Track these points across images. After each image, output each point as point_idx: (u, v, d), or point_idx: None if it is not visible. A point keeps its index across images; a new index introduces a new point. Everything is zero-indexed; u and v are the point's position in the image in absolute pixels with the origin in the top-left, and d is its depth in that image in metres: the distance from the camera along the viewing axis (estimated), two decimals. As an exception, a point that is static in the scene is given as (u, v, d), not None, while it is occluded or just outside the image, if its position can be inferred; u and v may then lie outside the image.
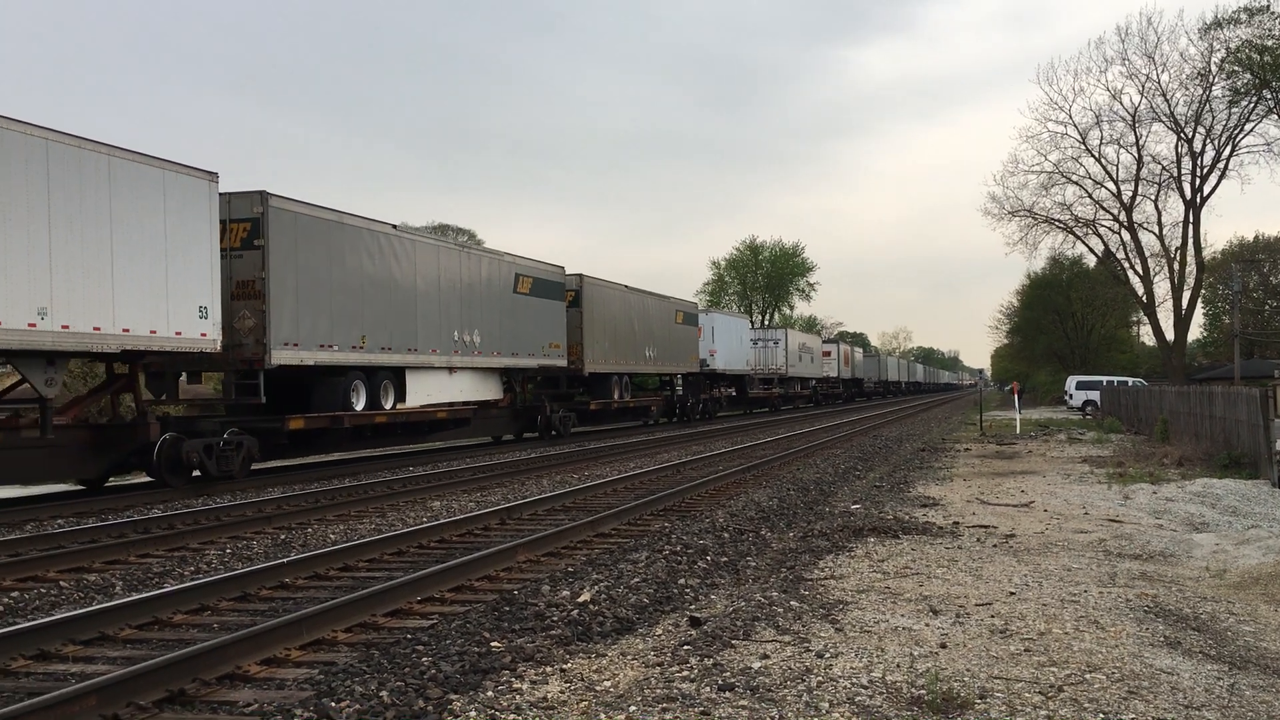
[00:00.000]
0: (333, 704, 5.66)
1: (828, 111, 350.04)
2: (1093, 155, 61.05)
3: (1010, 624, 7.60)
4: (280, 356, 19.12)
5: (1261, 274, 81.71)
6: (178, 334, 16.84)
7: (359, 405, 21.68)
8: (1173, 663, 6.65)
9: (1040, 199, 64.33)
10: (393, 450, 26.96)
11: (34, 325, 14.31)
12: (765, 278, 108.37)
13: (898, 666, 6.41)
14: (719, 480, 18.01)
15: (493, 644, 6.98)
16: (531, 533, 12.07)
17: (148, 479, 18.57)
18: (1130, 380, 54.97)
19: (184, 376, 20.10)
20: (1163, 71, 58.55)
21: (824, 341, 79.13)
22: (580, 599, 8.26)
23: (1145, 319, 67.65)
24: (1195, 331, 75.37)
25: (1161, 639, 7.28)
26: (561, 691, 5.99)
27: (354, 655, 6.83)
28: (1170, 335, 61.33)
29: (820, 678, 6.17)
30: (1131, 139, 59.57)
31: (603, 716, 5.52)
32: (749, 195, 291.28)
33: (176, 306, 16.82)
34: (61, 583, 9.88)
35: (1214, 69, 54.36)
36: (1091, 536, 12.17)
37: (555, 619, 7.67)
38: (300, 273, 19.77)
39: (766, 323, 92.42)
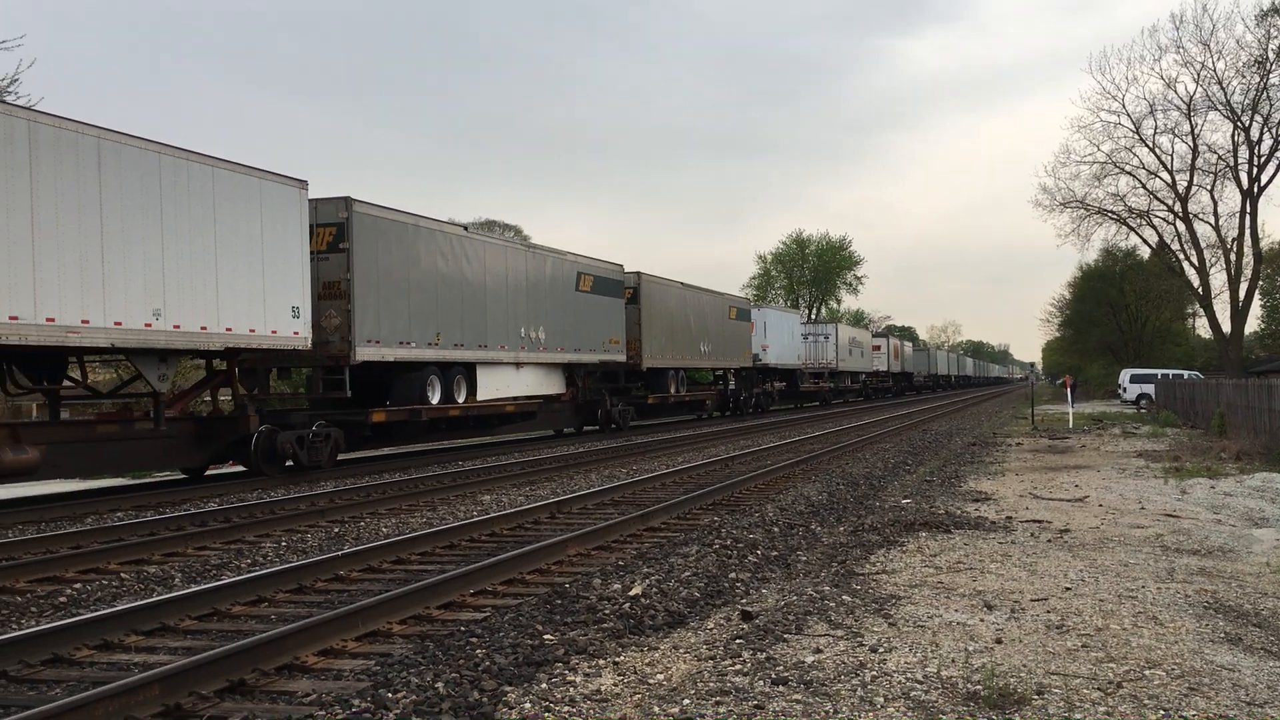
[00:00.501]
0: (389, 695, 5.72)
1: (879, 104, 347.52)
2: (1146, 145, 60.14)
3: (1066, 619, 7.51)
4: (364, 353, 20.27)
5: (1322, 264, 79.84)
6: (273, 333, 18.05)
7: (434, 399, 22.71)
8: (1234, 659, 6.54)
9: (1093, 190, 63.52)
10: (466, 442, 27.67)
11: (150, 325, 15.59)
12: (812, 271, 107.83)
13: (953, 662, 6.37)
14: (768, 474, 17.95)
15: (545, 636, 7.02)
16: (581, 526, 12.12)
17: (235, 470, 19.52)
18: (1186, 373, 54.05)
19: (274, 372, 21.36)
20: (1218, 59, 57.46)
21: (873, 336, 78.93)
22: (631, 592, 8.28)
23: (1201, 311, 66.45)
24: (1253, 324, 73.78)
25: (1222, 635, 7.16)
26: (615, 684, 6.01)
27: (409, 647, 6.91)
28: (1227, 328, 60.22)
29: (874, 672, 6.14)
30: (1186, 128, 58.61)
31: (656, 709, 5.53)
32: (798, 189, 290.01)
33: (272, 307, 18.02)
34: (122, 574, 10.08)
35: (1271, 55, 53.27)
36: (1148, 531, 11.99)
37: (607, 612, 7.69)
38: (381, 274, 20.86)
39: (813, 317, 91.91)
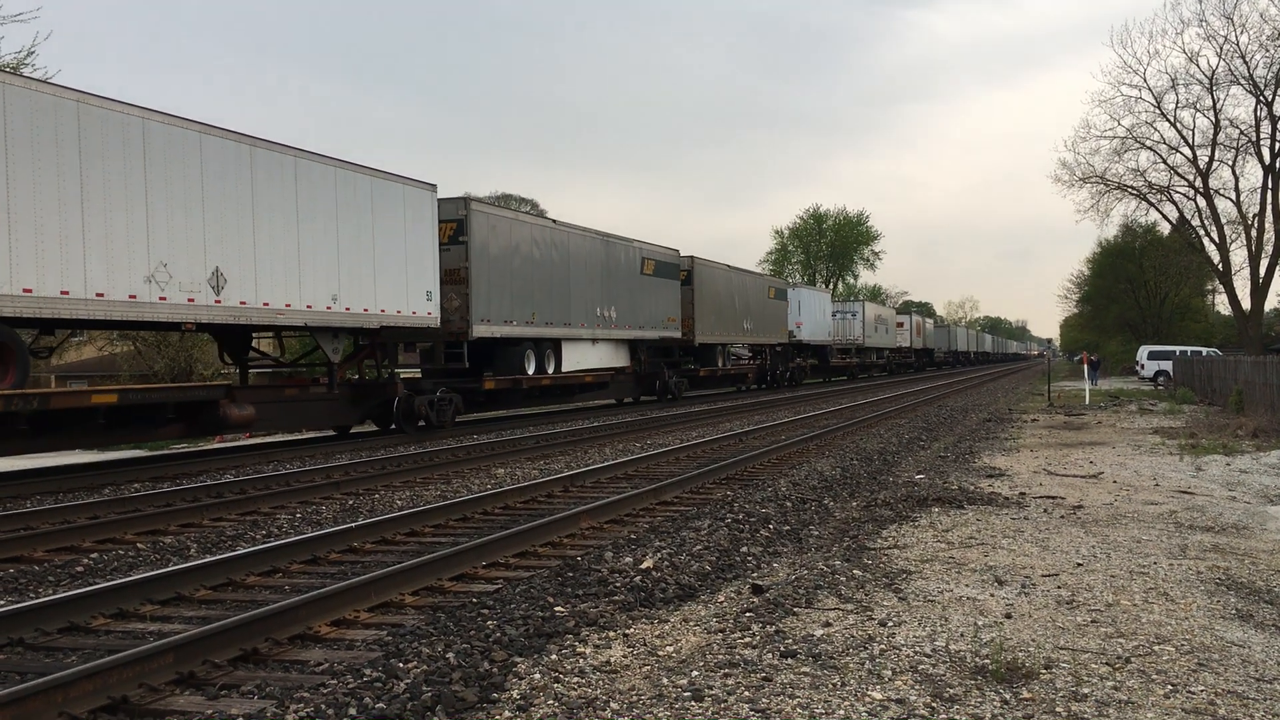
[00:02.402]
0: (400, 664, 5.77)
1: (897, 76, 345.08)
2: (1168, 120, 59.55)
3: (1077, 595, 7.50)
4: (478, 330, 23.89)
5: (1344, 241, 79.03)
6: (414, 313, 21.57)
7: (530, 370, 26.37)
8: (1244, 635, 6.53)
9: (1113, 165, 62.99)
10: (552, 408, 31.47)
11: (330, 308, 19.15)
12: (829, 246, 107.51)
13: (962, 636, 6.38)
14: (782, 449, 17.96)
15: (556, 609, 7.06)
16: (594, 499, 12.16)
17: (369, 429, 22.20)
18: (1204, 350, 53.71)
19: (401, 346, 24.30)
20: (1242, 33, 56.89)
21: (896, 314, 79.86)
22: (643, 565, 8.31)
23: (1221, 288, 65.93)
24: (1273, 300, 73.20)
25: (1233, 611, 7.15)
26: (624, 656, 6.05)
27: (421, 618, 6.96)
28: (1247, 304, 59.77)
29: (883, 646, 6.16)
30: (1208, 103, 57.98)
31: (665, 681, 5.56)
32: (816, 162, 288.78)
33: (412, 292, 21.55)
34: (139, 545, 10.18)
35: (1296, 28, 52.54)
36: (1162, 508, 11.95)
37: (618, 585, 7.73)
38: (490, 262, 24.42)
39: (831, 294, 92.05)
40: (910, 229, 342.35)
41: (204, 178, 16.53)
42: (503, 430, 23.51)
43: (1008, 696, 5.25)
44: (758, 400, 37.36)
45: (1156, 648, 6.16)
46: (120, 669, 5.42)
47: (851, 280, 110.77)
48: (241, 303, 17.13)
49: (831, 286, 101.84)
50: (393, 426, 22.07)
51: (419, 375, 25.02)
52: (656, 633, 6.55)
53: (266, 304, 17.69)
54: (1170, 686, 5.44)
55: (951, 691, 5.33)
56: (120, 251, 15.05)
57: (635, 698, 5.31)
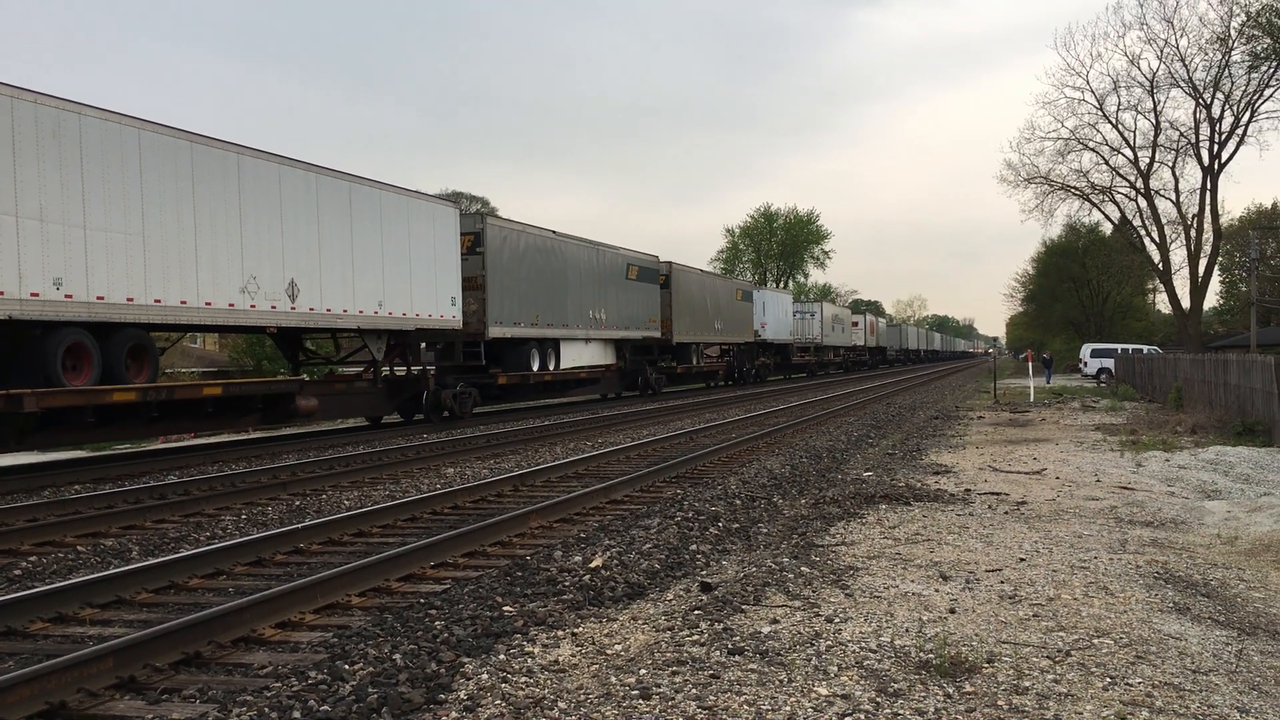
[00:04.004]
0: (346, 666, 5.72)
1: (848, 76, 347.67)
2: (1110, 121, 60.55)
3: (1020, 590, 7.62)
4: (493, 331, 26.66)
5: (1279, 241, 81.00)
6: (441, 317, 24.55)
7: (534, 366, 29.12)
8: (1181, 628, 6.67)
9: (1057, 166, 63.95)
10: (550, 401, 34.92)
11: (376, 313, 22.01)
12: (779, 245, 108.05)
13: (906, 631, 6.45)
14: (734, 446, 18.04)
15: (505, 608, 7.04)
16: (545, 499, 12.14)
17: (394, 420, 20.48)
18: (1145, 348, 54.72)
19: (423, 345, 26.49)
20: (1181, 36, 58.06)
21: (852, 313, 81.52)
22: (592, 564, 8.31)
23: (1161, 287, 67.27)
24: (1211, 299, 74.93)
25: (1171, 605, 7.30)
26: (572, 655, 6.05)
27: (368, 619, 6.90)
28: (1186, 303, 60.97)
29: (829, 642, 6.21)
30: (1149, 105, 59.04)
31: (613, 679, 5.57)
32: (768, 161, 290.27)
33: (440, 297, 24.42)
34: (79, 547, 10.00)
35: (1233, 34, 53.70)
36: (1103, 504, 12.17)
37: (567, 584, 7.73)
38: (503, 270, 27.15)
39: (775, 287, 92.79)
40: (861, 228, 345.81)
41: (282, 203, 19.23)
42: (511, 420, 26.73)
43: (951, 690, 5.32)
44: (726, 396, 39.82)
45: (1096, 641, 6.27)
46: (58, 674, 5.33)
47: (802, 279, 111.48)
48: (310, 309, 19.96)
49: (782, 285, 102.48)
50: (417, 417, 25.12)
51: (433, 371, 26.92)
52: (605, 631, 6.55)
53: (329, 310, 20.55)
54: (1109, 679, 5.54)
55: (896, 686, 5.39)
56: (222, 268, 17.72)
57: (583, 697, 5.31)
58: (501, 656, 6.00)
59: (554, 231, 30.78)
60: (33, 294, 14.27)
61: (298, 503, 12.87)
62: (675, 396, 39.54)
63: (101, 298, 15.42)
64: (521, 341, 28.50)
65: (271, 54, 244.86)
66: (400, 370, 24.54)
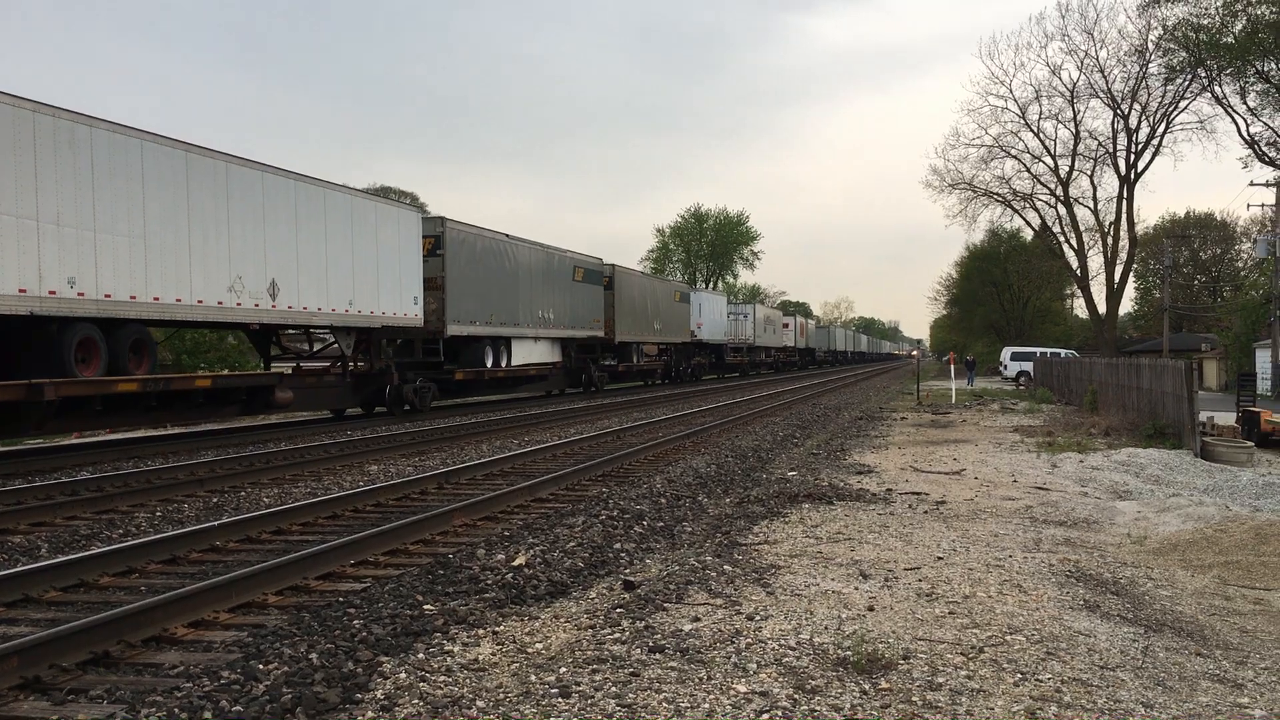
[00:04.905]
0: (260, 666, 5.62)
1: (781, 81, 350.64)
2: (1031, 130, 61.98)
3: (936, 588, 7.75)
4: (452, 329, 27.79)
5: (1191, 249, 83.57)
6: (405, 315, 25.70)
7: (489, 363, 30.41)
8: (1091, 625, 6.84)
9: (980, 172, 65.34)
10: (502, 397, 36.41)
11: (347, 311, 23.19)
12: (709, 246, 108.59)
13: (825, 629, 6.52)
14: (662, 445, 18.09)
15: (425, 607, 6.98)
16: (469, 497, 12.05)
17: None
18: (1063, 352, 56.02)
19: (384, 341, 27.10)
20: (1101, 48, 59.67)
21: (783, 315, 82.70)
22: (515, 563, 8.28)
23: (1079, 292, 68.93)
24: (1127, 305, 76.97)
25: (1081, 603, 7.48)
26: (493, 653, 6.01)
27: (284, 618, 6.79)
28: (1102, 308, 62.59)
29: (749, 639, 6.25)
30: (1070, 114, 60.57)
31: (533, 678, 5.55)
32: (701, 162, 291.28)
33: (404, 297, 25.62)
34: (-16, 545, 9.68)
35: (1151, 46, 55.28)
36: (1019, 504, 12.44)
37: (489, 582, 7.68)
38: (461, 271, 28.32)
39: (706, 288, 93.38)
40: (791, 230, 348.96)
41: (264, 208, 20.46)
42: (456, 415, 27.43)
43: (867, 687, 5.39)
44: (662, 394, 40.80)
45: (1009, 638, 6.40)
46: (-43, 676, 5.16)
47: (731, 279, 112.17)
48: (289, 307, 21.12)
49: (712, 286, 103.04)
50: (378, 410, 26.39)
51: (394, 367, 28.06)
52: (526, 630, 6.53)
53: (305, 308, 21.71)
54: (1020, 675, 5.66)
55: (813, 683, 5.45)
56: (212, 268, 18.91)
57: (502, 695, 5.28)
58: (420, 655, 5.95)
59: (507, 235, 32.04)
60: (50, 292, 15.49)
61: (215, 500, 12.62)
62: (616, 394, 40.59)
63: (109, 295, 16.60)
64: (477, 339, 29.69)
65: (185, 37, 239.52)
66: (366, 365, 25.58)
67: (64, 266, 15.69)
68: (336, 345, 24.35)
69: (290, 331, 24.88)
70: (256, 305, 20.17)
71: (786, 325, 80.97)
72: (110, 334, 17.04)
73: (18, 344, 15.74)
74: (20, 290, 14.94)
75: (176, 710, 4.93)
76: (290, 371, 23.49)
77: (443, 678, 5.57)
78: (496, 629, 6.54)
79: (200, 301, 18.63)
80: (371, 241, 24.19)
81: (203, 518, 11.22)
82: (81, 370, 16.34)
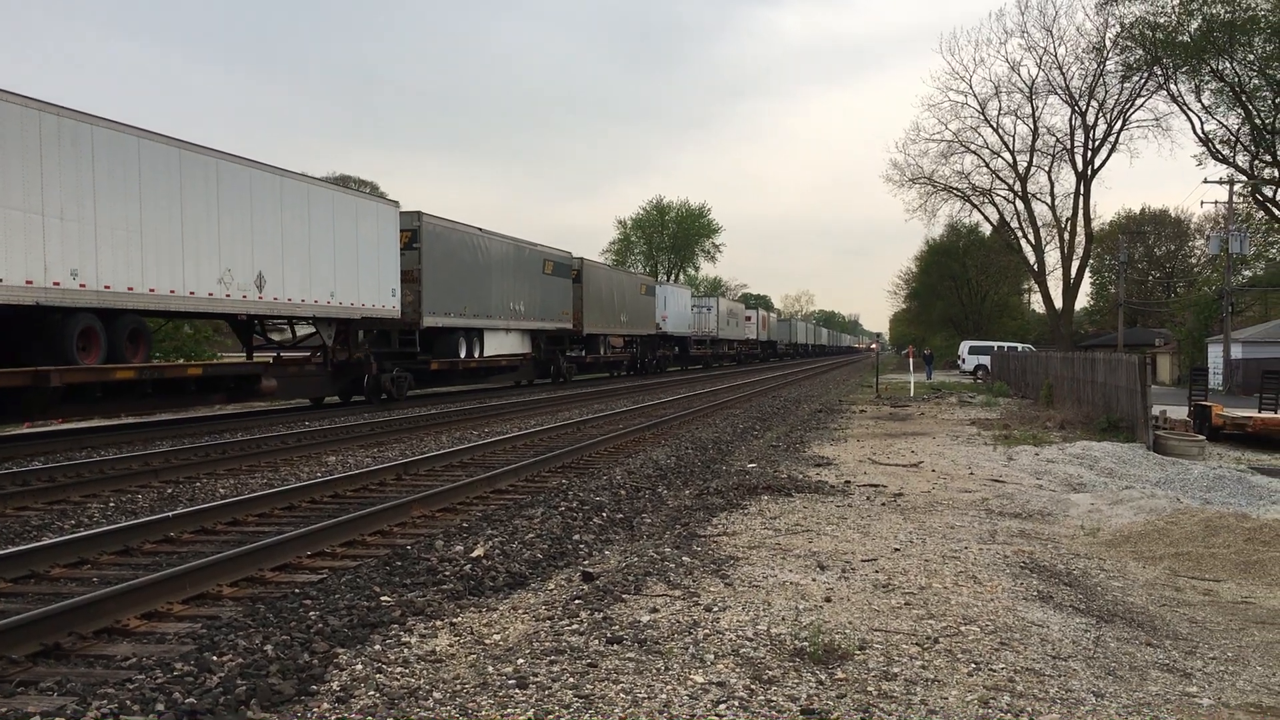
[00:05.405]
0: (214, 658, 5.57)
1: (747, 73, 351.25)
2: (991, 125, 62.63)
3: (893, 579, 7.82)
4: (428, 321, 28.70)
5: (1146, 246, 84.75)
6: (383, 307, 26.51)
7: (462, 354, 31.23)
8: (1044, 616, 6.93)
9: (940, 167, 66.10)
10: (474, 387, 36.82)
11: (329, 302, 24.05)
12: (671, 238, 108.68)
13: (783, 620, 6.56)
14: (623, 436, 18.09)
15: (382, 598, 6.94)
16: (428, 489, 12.00)
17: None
18: (1020, 346, 56.66)
19: (361, 333, 27.55)
20: (1060, 45, 60.27)
21: (746, 308, 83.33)
22: (474, 554, 8.25)
23: (1036, 287, 69.74)
24: (1083, 300, 77.91)
25: (1035, 594, 7.58)
26: (450, 645, 5.99)
27: (239, 610, 6.73)
28: (1059, 303, 63.40)
29: (707, 630, 6.28)
30: (1028, 110, 61.23)
31: (490, 669, 5.54)
32: (663, 155, 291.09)
33: (382, 289, 26.40)
34: (-68, 536, 9.51)
35: (1108, 44, 55.99)
36: (975, 496, 12.57)
37: (447, 574, 7.65)
38: (436, 264, 29.18)
39: (669, 281, 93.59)
40: (753, 223, 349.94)
41: (251, 203, 21.21)
42: (444, 402, 28.63)
43: (823, 677, 5.43)
44: (628, 385, 41.51)
45: (963, 628, 6.47)
46: (-98, 668, 5.07)
47: (693, 271, 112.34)
48: (275, 298, 21.97)
49: (673, 278, 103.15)
50: (355, 398, 27.24)
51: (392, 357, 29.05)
52: (484, 621, 6.51)
53: (290, 299, 22.56)
54: (974, 665, 5.72)
55: (770, 673, 5.48)
56: (203, 261, 19.68)
57: (459, 687, 5.27)
58: (377, 647, 5.92)
59: (480, 229, 32.81)
60: (55, 283, 16.22)
61: (170, 490, 12.47)
62: (582, 385, 41.32)
63: (108, 286, 17.31)
64: (451, 330, 30.53)
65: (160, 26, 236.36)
66: (345, 355, 26.23)
67: (67, 259, 16.41)
68: (317, 335, 25.03)
69: (273, 321, 25.53)
70: (244, 297, 20.93)
71: (749, 318, 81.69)
72: (109, 324, 17.80)
73: (23, 332, 16.50)
74: (27, 281, 15.68)
75: (128, 702, 4.87)
76: (272, 361, 24.10)
77: (399, 669, 5.54)
78: (454, 620, 6.52)
79: (192, 293, 19.40)
80: (352, 235, 24.90)
81: (157, 508, 11.08)
82: (83, 358, 17.06)
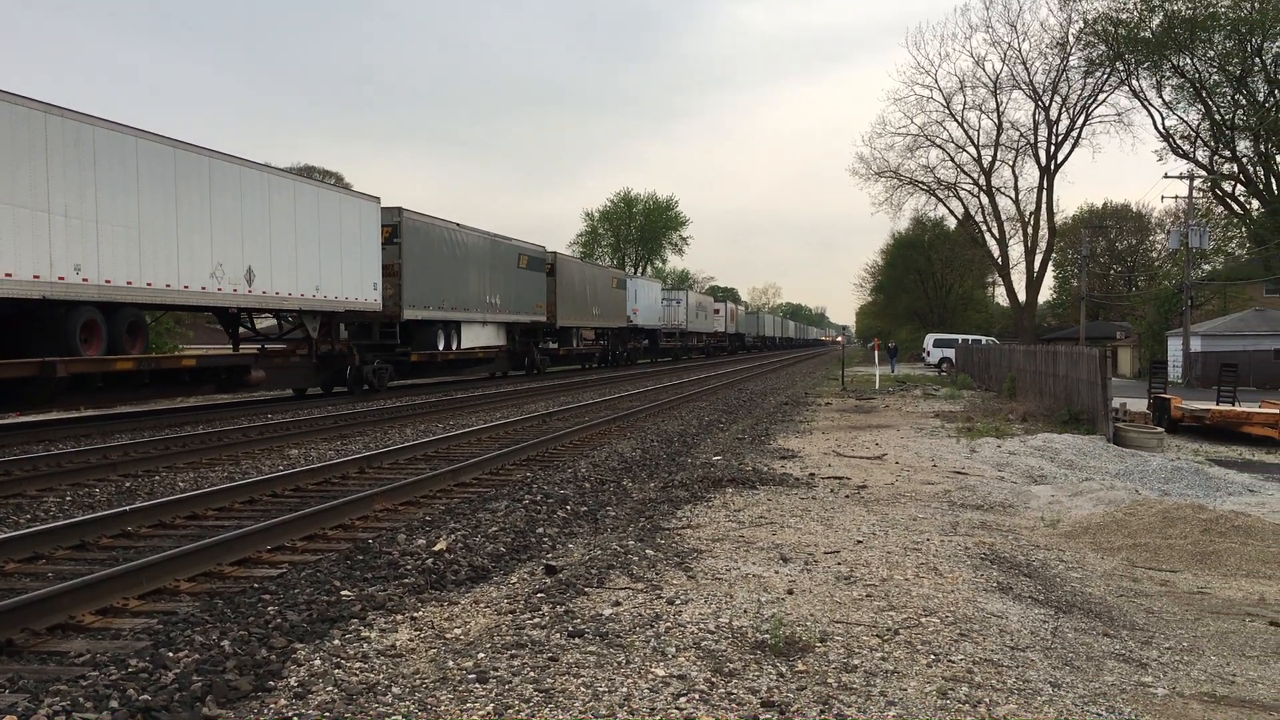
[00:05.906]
0: (170, 654, 5.49)
1: (716, 66, 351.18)
2: (956, 120, 63.03)
3: (855, 571, 7.85)
4: (408, 314, 29.33)
5: (1108, 240, 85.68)
6: (366, 300, 27.18)
7: (440, 346, 31.93)
8: (1003, 607, 6.98)
9: (906, 161, 66.60)
10: (451, 379, 37.24)
11: (314, 295, 24.55)
12: (639, 230, 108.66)
13: (745, 612, 6.57)
14: (589, 429, 18.07)
15: (343, 593, 6.89)
16: (391, 482, 11.92)
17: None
18: (984, 339, 57.11)
19: (342, 325, 28.14)
20: (1024, 40, 60.83)
21: (714, 301, 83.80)
22: (436, 548, 8.20)
23: (1000, 280, 70.32)
24: (1045, 293, 78.68)
25: (995, 585, 7.63)
26: (410, 639, 5.95)
27: (196, 605, 6.65)
28: (1022, 296, 63.95)
29: (669, 624, 6.27)
30: (993, 105, 61.80)
31: (450, 663, 5.51)
32: (631, 147, 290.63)
33: (364, 282, 27.07)
34: (-118, 531, 9.34)
35: (1072, 39, 56.48)
36: (938, 488, 12.65)
37: (409, 568, 7.60)
38: (416, 258, 29.94)
39: (639, 275, 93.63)
40: (720, 215, 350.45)
41: (241, 200, 21.87)
42: (424, 393, 29.06)
43: (784, 669, 5.44)
44: (599, 377, 42.31)
45: (923, 620, 6.51)
46: None
47: (660, 264, 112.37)
48: (263, 291, 22.57)
49: (640, 270, 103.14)
50: (337, 389, 28.00)
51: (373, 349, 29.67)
52: (445, 615, 6.48)
53: (278, 293, 23.13)
54: (933, 656, 5.75)
55: (731, 666, 5.48)
56: (197, 256, 20.37)
57: (418, 681, 5.23)
58: (336, 642, 5.87)
59: (458, 224, 33.51)
60: (59, 278, 16.88)
61: (128, 484, 12.32)
62: (555, 376, 41.96)
63: (109, 281, 17.96)
64: (430, 323, 31.17)
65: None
66: (328, 347, 26.81)
67: (70, 254, 17.10)
68: (301, 328, 25.52)
69: (260, 314, 25.93)
70: (235, 290, 21.63)
71: (718, 311, 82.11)
72: (110, 316, 18.45)
73: (29, 325, 17.03)
74: (35, 276, 16.33)
75: (81, 699, 4.80)
76: (258, 352, 24.69)
77: (358, 664, 5.50)
78: (415, 615, 6.48)
79: (186, 287, 20.09)
80: (336, 230, 25.53)
81: (115, 502, 10.94)
82: (85, 350, 17.73)
